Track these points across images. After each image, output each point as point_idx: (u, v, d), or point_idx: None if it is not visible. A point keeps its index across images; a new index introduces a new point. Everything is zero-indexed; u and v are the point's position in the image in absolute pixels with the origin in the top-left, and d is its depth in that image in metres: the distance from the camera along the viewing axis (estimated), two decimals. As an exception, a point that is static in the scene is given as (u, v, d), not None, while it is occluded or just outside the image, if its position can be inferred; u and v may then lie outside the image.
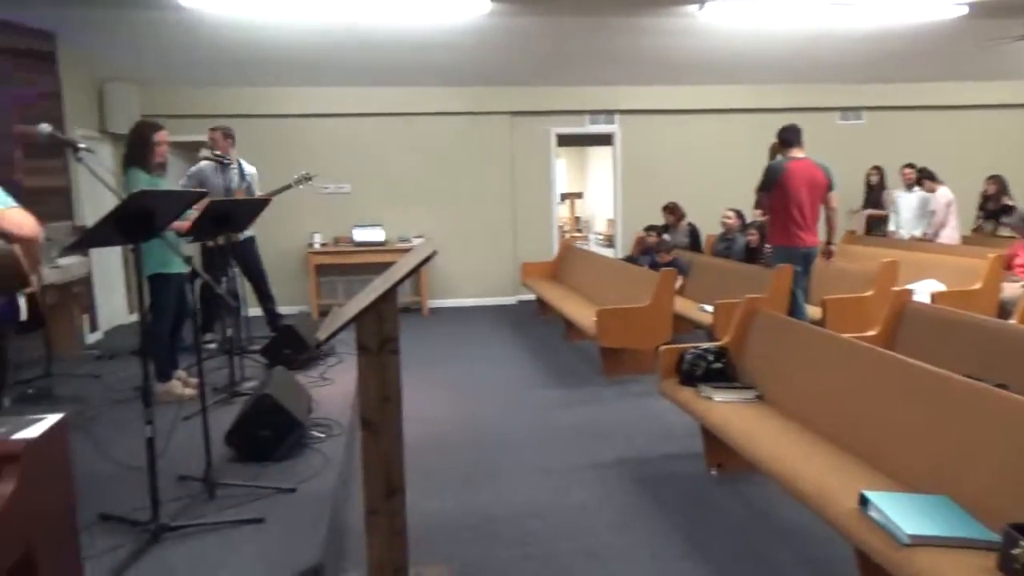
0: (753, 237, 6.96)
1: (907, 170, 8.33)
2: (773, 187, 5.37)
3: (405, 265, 2.63)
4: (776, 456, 2.97)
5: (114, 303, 7.70)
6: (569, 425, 4.75)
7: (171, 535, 2.82)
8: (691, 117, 9.28)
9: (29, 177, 6.12)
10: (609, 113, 9.18)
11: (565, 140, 9.60)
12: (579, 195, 16.63)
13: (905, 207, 8.45)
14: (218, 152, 5.81)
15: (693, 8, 6.41)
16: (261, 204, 4.80)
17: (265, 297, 6.36)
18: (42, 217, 3.15)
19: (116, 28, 6.42)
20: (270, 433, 3.58)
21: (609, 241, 11.91)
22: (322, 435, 3.93)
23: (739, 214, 7.50)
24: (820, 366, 3.37)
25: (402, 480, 2.45)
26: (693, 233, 8.12)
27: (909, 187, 8.35)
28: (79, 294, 6.29)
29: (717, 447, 3.71)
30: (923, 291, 5.78)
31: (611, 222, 10.66)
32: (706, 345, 4.08)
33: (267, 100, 8.33)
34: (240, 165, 5.88)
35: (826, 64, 8.48)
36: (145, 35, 6.63)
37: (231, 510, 3.05)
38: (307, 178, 6.15)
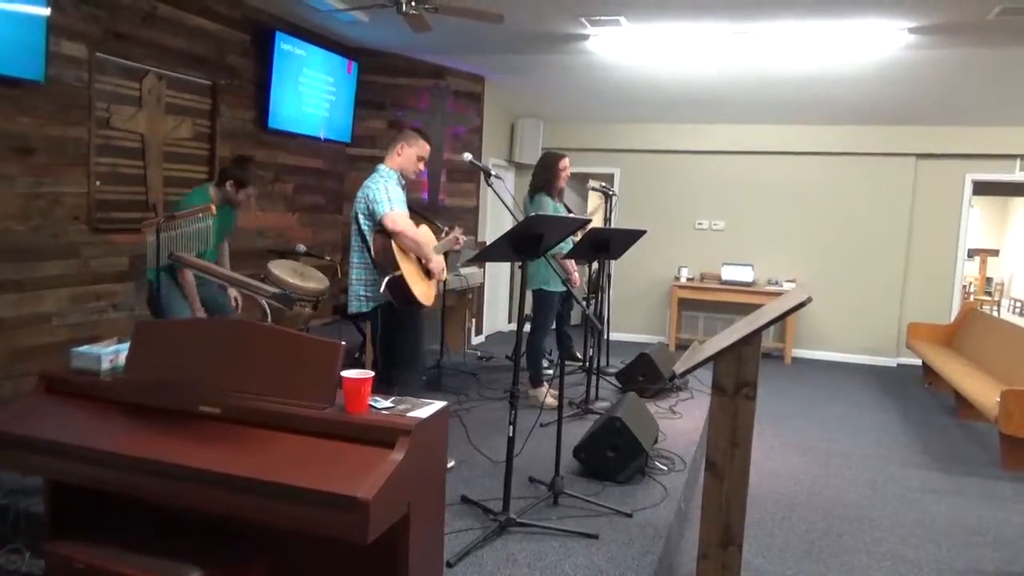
0: None
1: None
2: None
3: (774, 309, 2.52)
4: None
5: (497, 312, 8.68)
6: (943, 517, 4.06)
7: (516, 529, 3.07)
8: None
9: (449, 197, 7.32)
10: (1048, 158, 7.71)
11: (982, 188, 8.31)
12: (994, 252, 14.22)
13: None
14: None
15: None
16: (637, 234, 4.99)
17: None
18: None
19: (531, 70, 7.26)
20: (615, 455, 3.70)
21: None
22: (664, 467, 3.94)
23: None
24: None
25: (740, 532, 2.35)
26: None
27: None
28: (472, 301, 7.22)
29: None
30: None
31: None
32: None
33: (653, 136, 8.62)
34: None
35: None
36: (553, 76, 7.39)
37: (570, 520, 3.21)
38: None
